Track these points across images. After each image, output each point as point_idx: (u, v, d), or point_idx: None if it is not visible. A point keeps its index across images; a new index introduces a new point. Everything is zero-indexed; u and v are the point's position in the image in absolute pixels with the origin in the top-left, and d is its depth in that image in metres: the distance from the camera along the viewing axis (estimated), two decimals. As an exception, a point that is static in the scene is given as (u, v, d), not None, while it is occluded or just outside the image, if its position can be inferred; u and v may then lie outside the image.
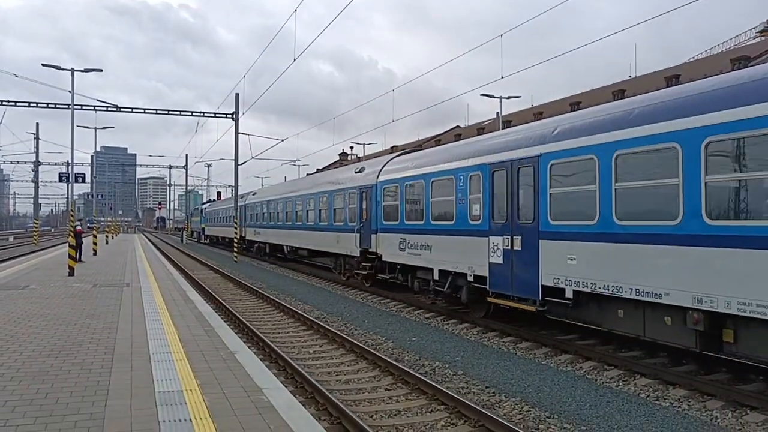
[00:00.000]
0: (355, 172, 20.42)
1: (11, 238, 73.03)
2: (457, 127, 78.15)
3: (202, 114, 38.88)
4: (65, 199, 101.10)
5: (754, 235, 7.02)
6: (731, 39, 66.38)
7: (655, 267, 8.26)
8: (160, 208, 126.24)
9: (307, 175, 53.10)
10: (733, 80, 7.70)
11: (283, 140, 43.26)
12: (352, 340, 11.26)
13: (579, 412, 7.39)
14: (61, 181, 40.81)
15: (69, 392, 5.93)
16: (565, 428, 6.87)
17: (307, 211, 25.56)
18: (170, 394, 5.89)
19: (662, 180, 8.21)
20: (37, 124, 49.70)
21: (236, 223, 36.27)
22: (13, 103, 35.10)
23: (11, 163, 67.25)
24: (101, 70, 24.13)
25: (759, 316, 6.96)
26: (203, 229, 63.60)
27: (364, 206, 18.80)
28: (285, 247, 30.29)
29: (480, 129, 56.33)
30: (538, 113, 52.04)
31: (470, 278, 12.49)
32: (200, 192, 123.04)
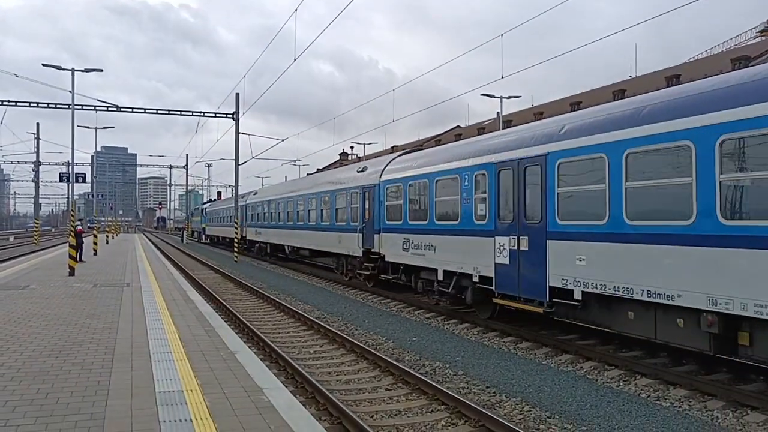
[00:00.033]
0: (358, 172, 20.27)
1: (11, 238, 73.08)
2: (458, 127, 78.15)
3: (202, 114, 38.88)
4: (66, 199, 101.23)
5: None
6: (731, 39, 66.41)
7: (667, 268, 8.09)
8: (160, 208, 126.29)
9: (308, 174, 53.11)
10: (750, 76, 7.53)
11: (283, 140, 43.30)
12: (352, 340, 11.26)
13: (580, 412, 7.38)
14: (61, 181, 40.82)
15: (69, 392, 5.93)
16: (565, 428, 6.86)
17: (309, 210, 25.40)
18: (171, 394, 5.89)
19: (675, 179, 8.05)
20: (38, 124, 49.73)
21: (237, 223, 36.28)
22: (13, 103, 35.10)
23: (12, 163, 67.30)
24: (101, 70, 24.13)
25: None
26: (204, 229, 63.58)
27: (367, 206, 18.65)
28: (286, 247, 30.16)
29: (480, 129, 56.32)
30: (538, 113, 52.03)
31: (475, 279, 12.34)
32: (201, 192, 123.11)
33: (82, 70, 22.56)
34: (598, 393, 8.12)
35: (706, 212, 7.57)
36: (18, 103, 35.15)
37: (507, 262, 11.27)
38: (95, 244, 31.26)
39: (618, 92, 45.88)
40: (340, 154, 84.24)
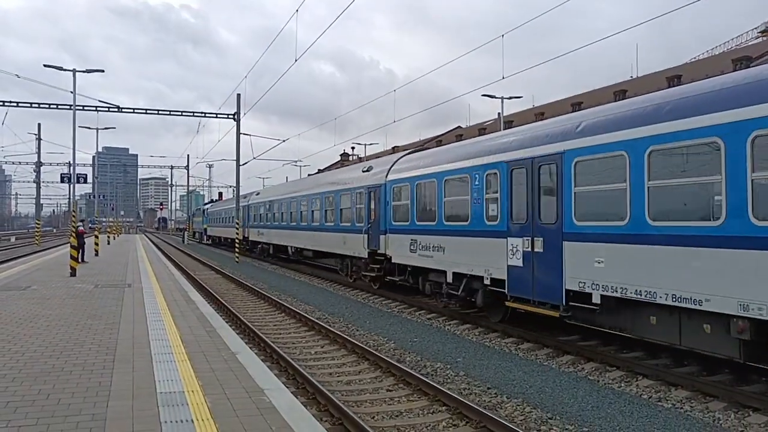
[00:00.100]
0: (363, 171, 19.97)
1: (13, 239, 73.16)
2: (459, 127, 78.07)
3: (203, 115, 38.89)
4: (67, 200, 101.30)
5: None
6: (733, 39, 66.39)
7: (694, 271, 7.71)
8: (161, 209, 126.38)
9: (309, 175, 53.11)
10: None
11: (284, 141, 43.32)
12: (353, 340, 11.25)
13: (581, 413, 7.37)
14: (62, 181, 40.90)
15: (71, 393, 5.93)
16: (567, 429, 6.86)
17: (313, 211, 25.10)
18: (172, 395, 5.89)
19: (702, 178, 7.71)
20: (39, 124, 49.75)
21: (238, 223, 36.29)
22: (15, 104, 35.13)
23: (13, 163, 67.28)
24: (102, 71, 24.13)
25: None
26: (205, 229, 63.54)
27: (373, 206, 18.33)
28: (289, 248, 29.89)
29: (482, 129, 56.31)
30: (539, 114, 52.01)
31: (487, 281, 12.00)
32: (202, 192, 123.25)
33: (83, 71, 22.58)
34: (599, 394, 8.11)
35: (736, 212, 7.23)
36: (19, 104, 35.18)
37: (520, 264, 10.94)
38: (96, 244, 31.29)
39: (619, 93, 45.86)
40: (341, 155, 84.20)
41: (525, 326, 12.04)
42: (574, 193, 9.74)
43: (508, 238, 11.31)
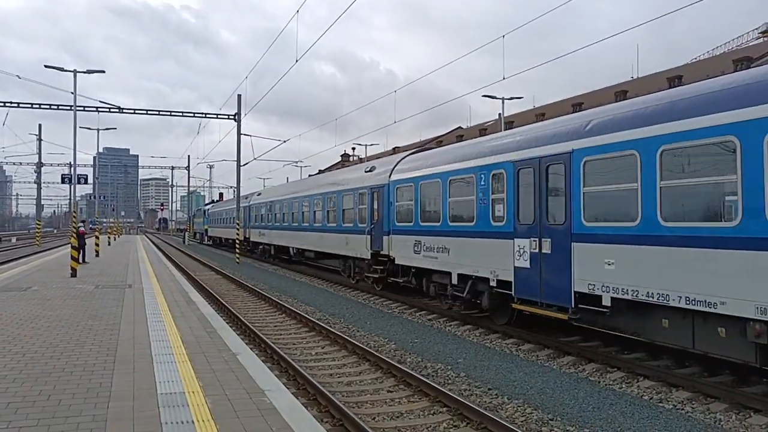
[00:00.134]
0: (366, 172, 19.76)
1: (14, 240, 73.20)
2: (459, 128, 78.17)
3: (204, 115, 38.90)
4: (67, 201, 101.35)
5: None
6: (733, 40, 66.41)
7: (709, 273, 7.49)
8: (162, 210, 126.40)
9: (310, 176, 53.07)
10: None
11: (285, 141, 43.28)
12: (354, 341, 11.25)
13: (582, 414, 7.36)
14: (63, 182, 40.96)
15: (71, 394, 5.93)
16: (568, 431, 6.85)
17: (315, 211, 24.85)
18: (172, 395, 5.89)
19: (717, 177, 7.51)
20: (40, 125, 49.80)
21: (238, 224, 36.30)
22: (15, 105, 35.15)
23: (14, 164, 67.38)
24: (103, 72, 24.16)
25: None
26: (206, 230, 63.53)
27: (376, 207, 18.16)
28: (291, 249, 29.67)
29: (482, 130, 56.32)
30: (540, 114, 52.04)
31: (493, 283, 11.79)
32: (202, 193, 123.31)
33: (84, 72, 22.60)
34: (600, 395, 8.10)
35: (753, 213, 7.04)
36: (20, 105, 35.21)
37: (528, 266, 10.73)
38: (97, 245, 31.30)
39: (620, 93, 45.88)
40: (341, 156, 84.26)
41: (529, 328, 11.93)
42: (583, 193, 9.55)
43: (515, 239, 11.12)
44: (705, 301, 7.54)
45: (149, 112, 38.20)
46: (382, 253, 17.46)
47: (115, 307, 12.00)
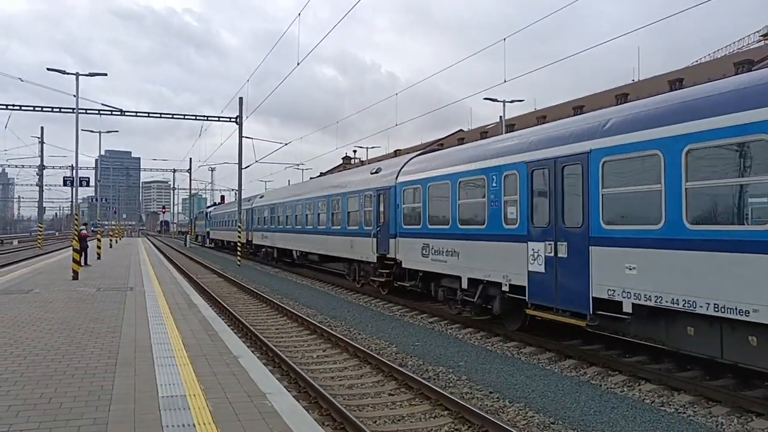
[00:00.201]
0: (371, 173, 19.41)
1: (15, 242, 73.32)
2: (461, 131, 78.29)
3: (206, 118, 38.94)
4: (69, 203, 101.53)
5: None
6: (735, 42, 66.43)
7: (739, 279, 7.11)
8: (163, 212, 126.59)
9: (311, 178, 53.11)
10: None
11: (286, 144, 43.27)
12: (355, 344, 11.24)
13: (583, 417, 7.35)
14: (65, 184, 41.00)
15: (72, 397, 5.94)
16: (569, 434, 6.83)
17: (319, 214, 24.46)
18: (174, 398, 5.89)
19: (750, 178, 7.14)
20: (42, 128, 49.90)
21: (240, 226, 36.32)
22: (18, 107, 35.25)
23: (16, 166, 67.75)
24: (106, 74, 24.34)
25: None
26: (208, 233, 63.55)
27: (382, 209, 17.75)
28: (294, 252, 29.25)
29: (483, 133, 56.37)
30: (541, 117, 52.07)
31: (505, 288, 11.40)
32: (204, 196, 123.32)
33: (86, 75, 22.67)
34: (602, 398, 8.09)
35: None
36: (22, 107, 35.31)
37: (542, 270, 10.34)
38: (99, 248, 31.34)
39: (621, 96, 45.93)
40: (343, 158, 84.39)
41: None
42: (602, 195, 9.17)
43: (529, 243, 10.75)
44: (735, 308, 7.17)
45: (151, 114, 38.36)
46: (388, 256, 17.12)
47: (117, 309, 12.01)
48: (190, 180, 76.50)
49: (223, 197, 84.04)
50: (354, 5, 17.34)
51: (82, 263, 21.95)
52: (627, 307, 8.68)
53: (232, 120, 36.62)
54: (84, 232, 23.40)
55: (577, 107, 49.24)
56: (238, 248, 34.84)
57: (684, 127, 7.91)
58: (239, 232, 35.99)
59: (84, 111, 32.34)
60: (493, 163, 12.02)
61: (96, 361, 7.46)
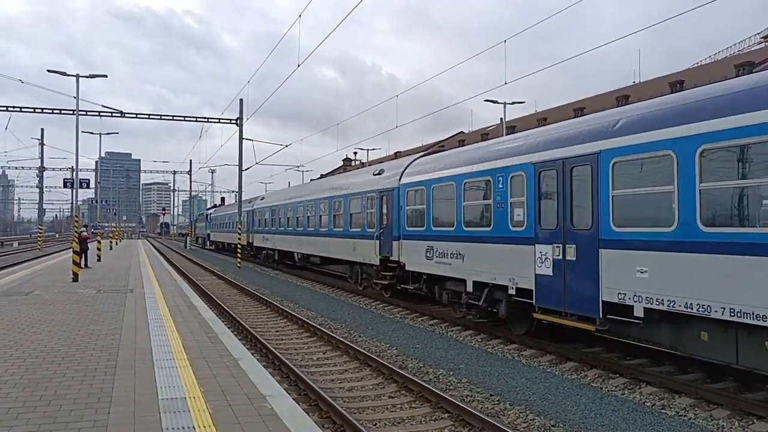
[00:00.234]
0: (374, 175, 19.23)
1: (16, 244, 73.33)
2: (461, 132, 78.33)
3: (206, 120, 38.97)
4: (69, 205, 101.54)
5: None
6: (735, 45, 66.50)
7: (757, 283, 6.94)
8: (164, 214, 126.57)
9: (311, 180, 53.09)
10: None
11: (287, 146, 43.26)
12: (355, 347, 11.23)
13: (584, 420, 7.34)
14: (65, 186, 41.02)
15: (72, 399, 5.92)
16: (570, 437, 6.82)
17: (321, 216, 24.23)
18: (173, 401, 5.88)
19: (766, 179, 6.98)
20: (42, 129, 49.93)
21: (240, 228, 36.31)
22: (18, 109, 35.29)
23: (16, 168, 67.51)
24: (106, 76, 24.33)
25: None
26: (209, 234, 63.52)
27: (385, 211, 17.57)
28: (296, 254, 29.04)
29: (484, 135, 56.41)
30: (542, 119, 52.10)
31: (511, 291, 11.20)
32: (204, 198, 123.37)
33: (86, 76, 22.70)
34: (602, 401, 8.07)
35: None
36: (23, 109, 35.34)
37: (550, 273, 10.13)
38: (99, 250, 31.34)
39: (622, 98, 45.96)
40: (343, 160, 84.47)
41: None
42: (612, 196, 8.97)
43: (536, 245, 10.55)
44: (752, 313, 6.97)
45: (151, 116, 38.38)
46: (391, 258, 16.91)
47: (117, 311, 12.00)
48: (191, 182, 76.59)
49: (223, 199, 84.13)
50: (355, 6, 17.36)
51: (83, 265, 21.96)
52: (638, 312, 8.48)
53: (232, 122, 36.65)
54: (84, 234, 23.40)
55: (578, 109, 49.27)
56: (239, 250, 34.82)
57: (698, 126, 7.71)
58: (239, 233, 35.97)
59: (84, 113, 32.39)
60: (500, 164, 11.83)
61: (96, 364, 7.44)
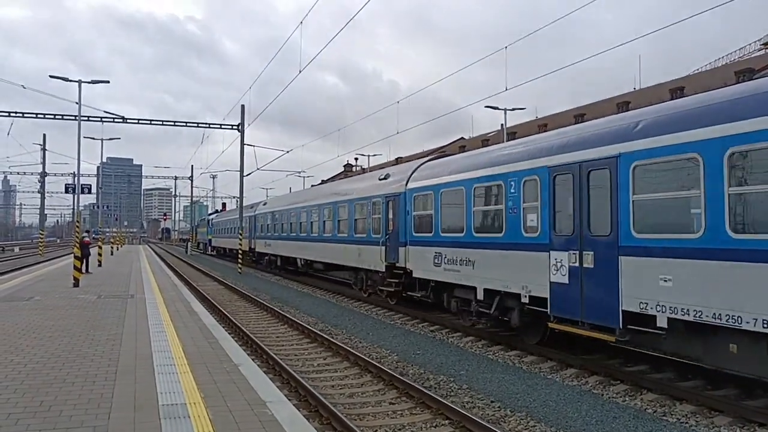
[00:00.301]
0: (380, 180, 18.93)
1: (17, 249, 73.39)
2: (462, 138, 78.44)
3: (207, 125, 39.03)
4: (71, 210, 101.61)
5: None
6: (735, 51, 66.63)
7: None
8: (165, 219, 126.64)
9: (312, 186, 53.11)
10: None
11: (288, 152, 43.34)
12: (356, 352, 11.22)
13: (585, 427, 7.32)
14: (67, 192, 41.15)
15: (73, 405, 5.92)
16: (571, 444, 6.80)
17: (324, 221, 23.95)
18: (174, 407, 5.87)
19: None
20: (44, 135, 50.11)
21: (241, 234, 36.32)
22: (20, 114, 35.38)
23: (18, 174, 67.71)
24: (108, 82, 24.40)
25: None
26: (210, 240, 63.51)
27: (391, 216, 17.25)
28: (298, 260, 28.74)
29: (485, 141, 56.48)
30: (542, 125, 52.15)
31: (524, 300, 10.84)
32: (205, 203, 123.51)
33: (88, 82, 22.74)
34: (603, 408, 8.05)
35: None
36: (25, 115, 35.44)
37: (566, 281, 9.76)
38: (100, 255, 31.36)
39: (622, 104, 46.03)
40: (344, 166, 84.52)
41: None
42: (633, 201, 8.62)
43: (551, 252, 10.19)
44: None
45: (153, 122, 38.47)
46: (397, 265, 16.57)
47: (118, 317, 12.00)
48: (192, 187, 76.77)
49: (224, 204, 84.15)
50: (356, 13, 17.43)
51: (84, 270, 21.97)
52: (662, 322, 8.12)
53: (233, 127, 36.71)
54: (86, 239, 23.43)
55: (578, 115, 49.34)
56: (240, 256, 34.79)
57: (726, 128, 7.39)
58: (240, 239, 35.96)
59: (86, 118, 32.42)
60: (512, 168, 11.48)
61: (96, 369, 7.44)
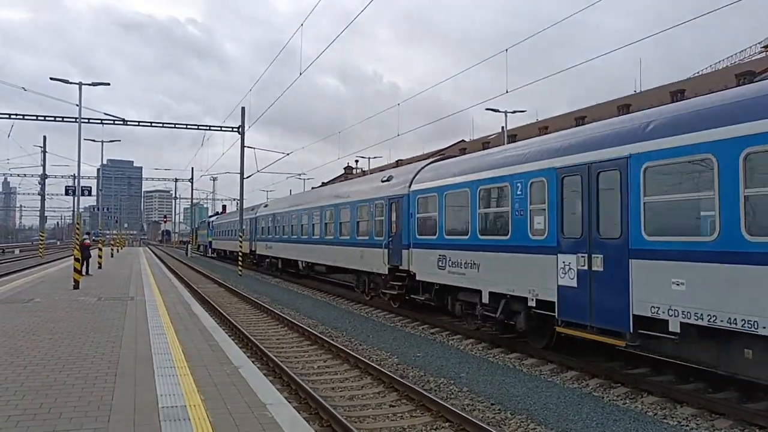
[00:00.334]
0: (382, 181, 18.76)
1: (17, 251, 73.38)
2: (462, 141, 78.51)
3: (208, 128, 39.03)
4: (71, 212, 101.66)
5: None
6: (735, 54, 66.71)
7: None
8: (165, 222, 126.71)
9: (312, 188, 53.13)
10: None
11: (288, 154, 43.37)
12: (356, 355, 11.21)
13: (586, 430, 7.31)
14: (67, 194, 41.10)
15: (72, 407, 5.92)
16: (571, 446, 6.79)
17: (326, 223, 23.61)
18: (174, 409, 5.87)
19: None
20: (45, 137, 50.08)
21: (241, 236, 36.31)
22: (20, 117, 35.40)
23: (18, 176, 67.78)
24: (108, 84, 24.40)
25: None
26: (210, 242, 63.47)
27: (394, 218, 17.09)
28: (300, 263, 28.53)
29: (485, 143, 56.50)
30: (543, 128, 52.19)
31: (531, 303, 10.68)
32: (205, 205, 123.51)
33: (89, 84, 22.73)
34: (604, 411, 8.04)
35: None
36: (25, 117, 35.46)
37: (574, 285, 9.60)
38: (100, 257, 31.36)
39: (623, 107, 46.03)
40: (344, 168, 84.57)
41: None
42: (644, 203, 8.44)
43: (559, 255, 10.01)
44: None
45: (153, 124, 38.54)
46: (401, 268, 16.41)
47: (118, 319, 11.99)
48: (192, 189, 76.73)
49: (224, 206, 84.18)
50: (357, 16, 17.46)
51: (84, 272, 21.97)
52: (674, 327, 7.96)
53: (234, 130, 36.74)
54: (87, 241, 23.43)
55: (579, 118, 49.34)
56: (240, 258, 34.78)
57: (742, 128, 7.22)
58: (240, 241, 35.95)
59: (87, 120, 32.46)
60: (518, 170, 11.32)
61: (96, 371, 7.44)
